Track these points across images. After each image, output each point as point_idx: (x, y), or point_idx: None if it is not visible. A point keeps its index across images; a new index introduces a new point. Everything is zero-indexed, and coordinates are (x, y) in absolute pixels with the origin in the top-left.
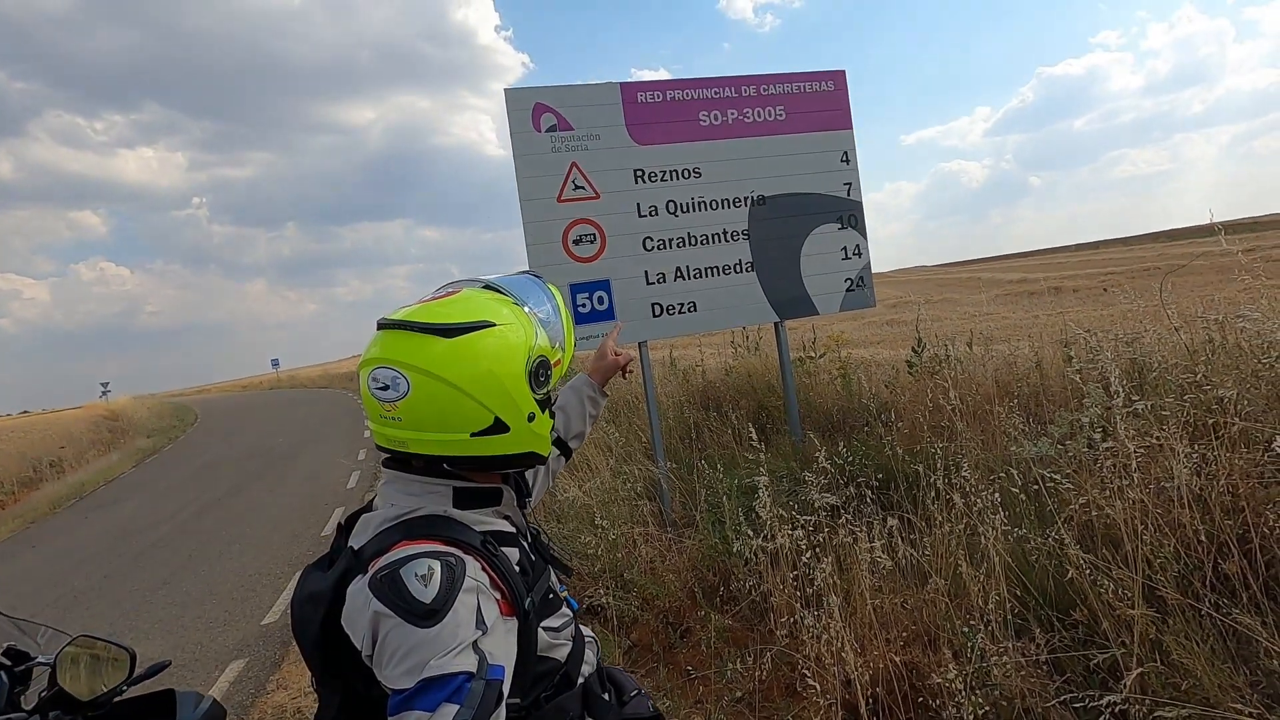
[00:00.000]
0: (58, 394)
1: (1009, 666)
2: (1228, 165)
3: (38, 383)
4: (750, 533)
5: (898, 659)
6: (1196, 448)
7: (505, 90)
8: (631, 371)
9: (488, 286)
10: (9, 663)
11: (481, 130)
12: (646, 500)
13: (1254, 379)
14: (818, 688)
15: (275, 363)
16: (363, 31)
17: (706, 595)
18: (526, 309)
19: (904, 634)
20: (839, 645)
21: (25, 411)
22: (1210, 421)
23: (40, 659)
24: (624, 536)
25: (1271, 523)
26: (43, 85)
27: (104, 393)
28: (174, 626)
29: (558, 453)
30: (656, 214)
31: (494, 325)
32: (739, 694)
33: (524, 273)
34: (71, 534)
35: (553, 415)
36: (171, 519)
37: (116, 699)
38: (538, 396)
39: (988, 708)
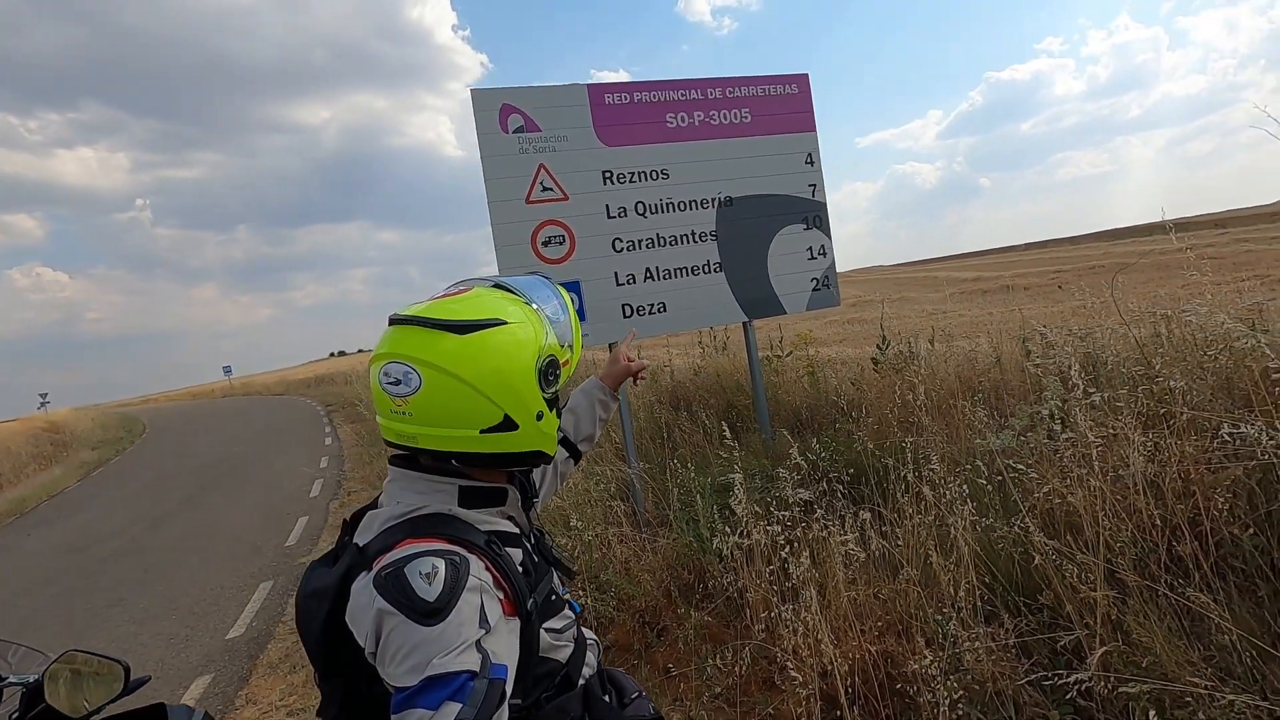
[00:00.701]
0: None
1: (980, 652)
2: (1164, 167)
3: None
4: (727, 530)
5: (873, 649)
6: (1150, 436)
7: (472, 90)
8: (643, 379)
9: (498, 285)
10: None
11: (440, 130)
12: (620, 500)
13: (1200, 370)
14: (799, 679)
15: (228, 370)
16: (315, 29)
17: (683, 593)
18: (536, 308)
19: (879, 624)
20: (816, 637)
21: None
22: (1162, 411)
23: (12, 679)
24: (599, 538)
25: (1220, 506)
26: None
27: (42, 404)
28: (132, 644)
29: (566, 454)
30: (625, 215)
31: (506, 323)
32: (718, 689)
33: (533, 274)
34: (13, 553)
35: (560, 415)
36: (123, 533)
37: (104, 717)
38: (546, 395)
39: (961, 692)
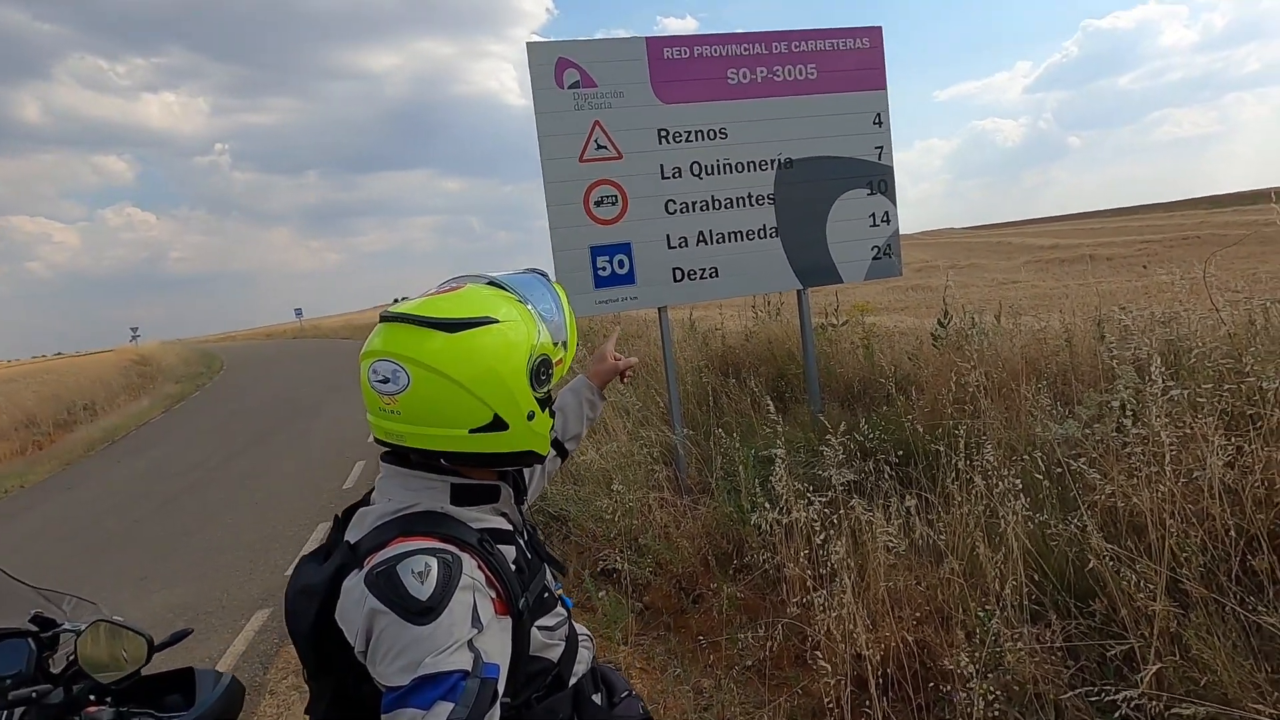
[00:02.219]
0: (88, 338)
1: (1022, 652)
2: None
3: (69, 326)
4: (767, 504)
5: (910, 637)
6: (1232, 439)
7: (527, 44)
8: (629, 379)
9: (492, 283)
10: (37, 629)
11: (503, 79)
12: (663, 465)
13: None
14: (827, 668)
15: (299, 312)
16: None
17: (720, 563)
18: (530, 306)
19: (917, 613)
20: (850, 623)
21: (59, 354)
22: (1249, 412)
23: (66, 625)
24: (639, 502)
25: None
26: (66, 27)
27: (134, 337)
28: (200, 573)
29: (554, 454)
30: (680, 176)
31: (496, 321)
32: (749, 662)
33: (529, 270)
34: (104, 478)
35: (553, 415)
36: (199, 466)
37: (138, 677)
38: (538, 395)
39: (998, 692)
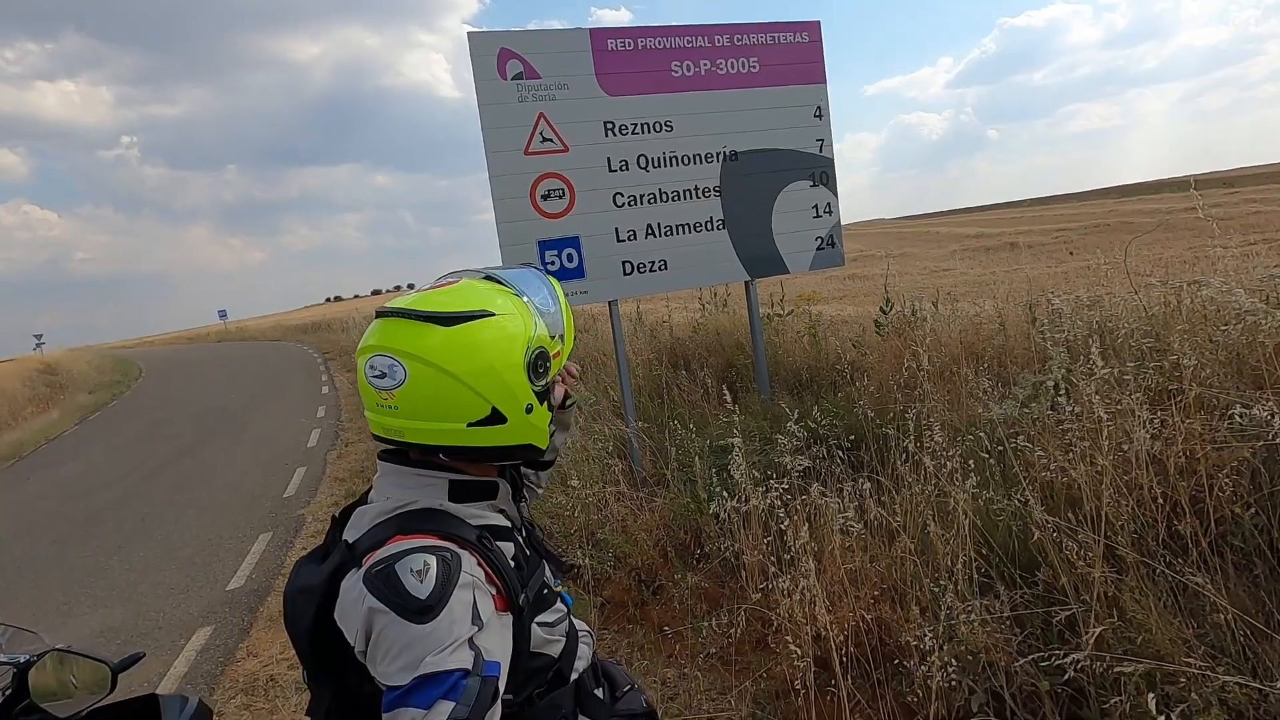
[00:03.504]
0: None
1: (974, 623)
2: (1177, 122)
3: None
4: (724, 494)
5: (868, 615)
6: (1157, 413)
7: (468, 34)
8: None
9: (488, 277)
10: None
11: (434, 70)
12: (618, 459)
13: (1211, 344)
14: (796, 651)
15: (223, 314)
16: None
17: (679, 554)
18: (526, 299)
19: (874, 591)
20: (811, 604)
21: None
22: (1170, 388)
23: (3, 658)
24: (596, 496)
25: (1224, 484)
26: None
27: (38, 345)
28: (132, 594)
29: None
30: (627, 169)
31: (493, 315)
32: (713, 650)
33: (525, 265)
34: (12, 497)
35: (550, 409)
36: (122, 480)
37: (95, 708)
38: (536, 388)
39: (954, 662)
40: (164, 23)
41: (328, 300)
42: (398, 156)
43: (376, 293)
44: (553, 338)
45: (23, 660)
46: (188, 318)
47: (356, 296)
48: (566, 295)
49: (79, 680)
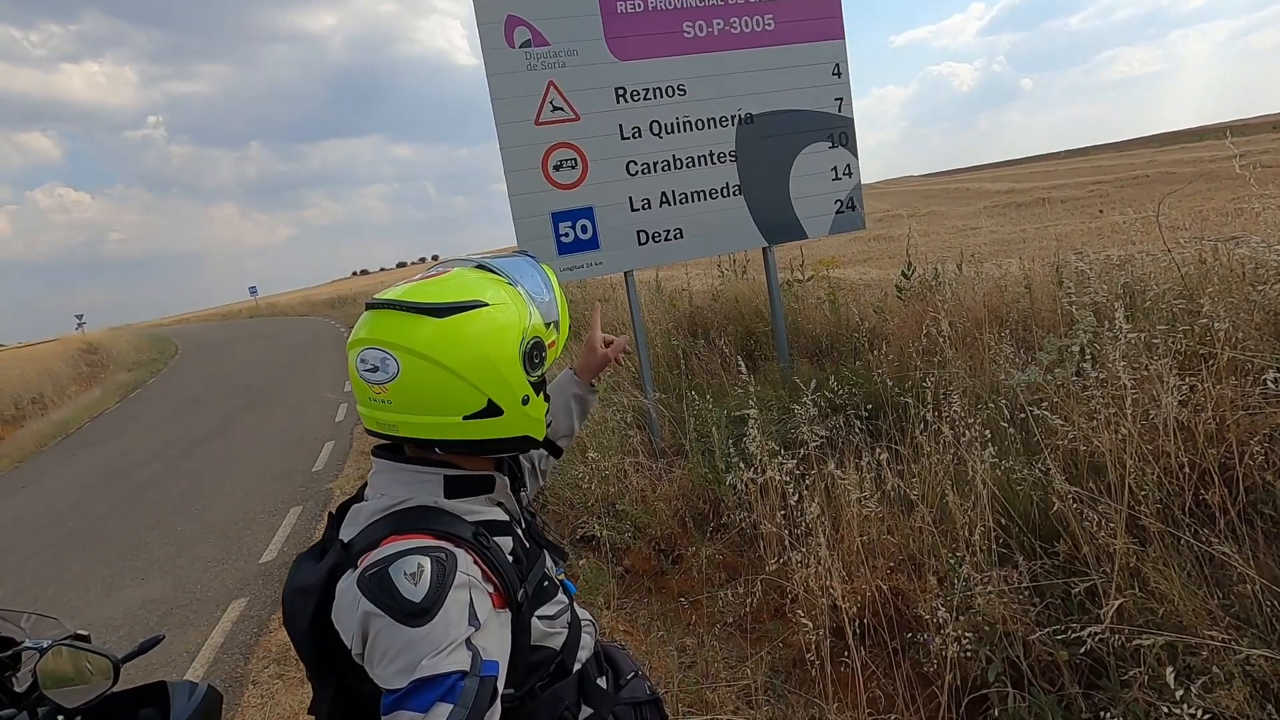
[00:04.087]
0: (29, 328)
1: (992, 594)
2: (1222, 64)
3: (5, 317)
4: (741, 464)
5: (885, 585)
6: (1186, 379)
7: (475, 0)
8: (620, 363)
9: (480, 266)
10: None
11: (451, 37)
12: (636, 430)
13: (1247, 305)
14: (808, 624)
15: (253, 290)
16: None
17: (697, 523)
18: (519, 288)
19: (890, 562)
20: (827, 575)
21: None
22: (1201, 351)
23: (28, 643)
24: (615, 467)
25: (1255, 451)
26: None
27: (79, 324)
28: (171, 566)
29: (545, 452)
30: (640, 136)
31: (486, 305)
32: (730, 619)
33: (518, 252)
34: (60, 473)
35: (547, 399)
36: (161, 456)
37: (105, 697)
38: (532, 379)
39: (970, 634)
40: None
41: (354, 274)
42: (417, 127)
43: (402, 265)
44: (548, 326)
45: (46, 645)
46: (221, 294)
47: (382, 270)
48: (582, 267)
49: (88, 666)
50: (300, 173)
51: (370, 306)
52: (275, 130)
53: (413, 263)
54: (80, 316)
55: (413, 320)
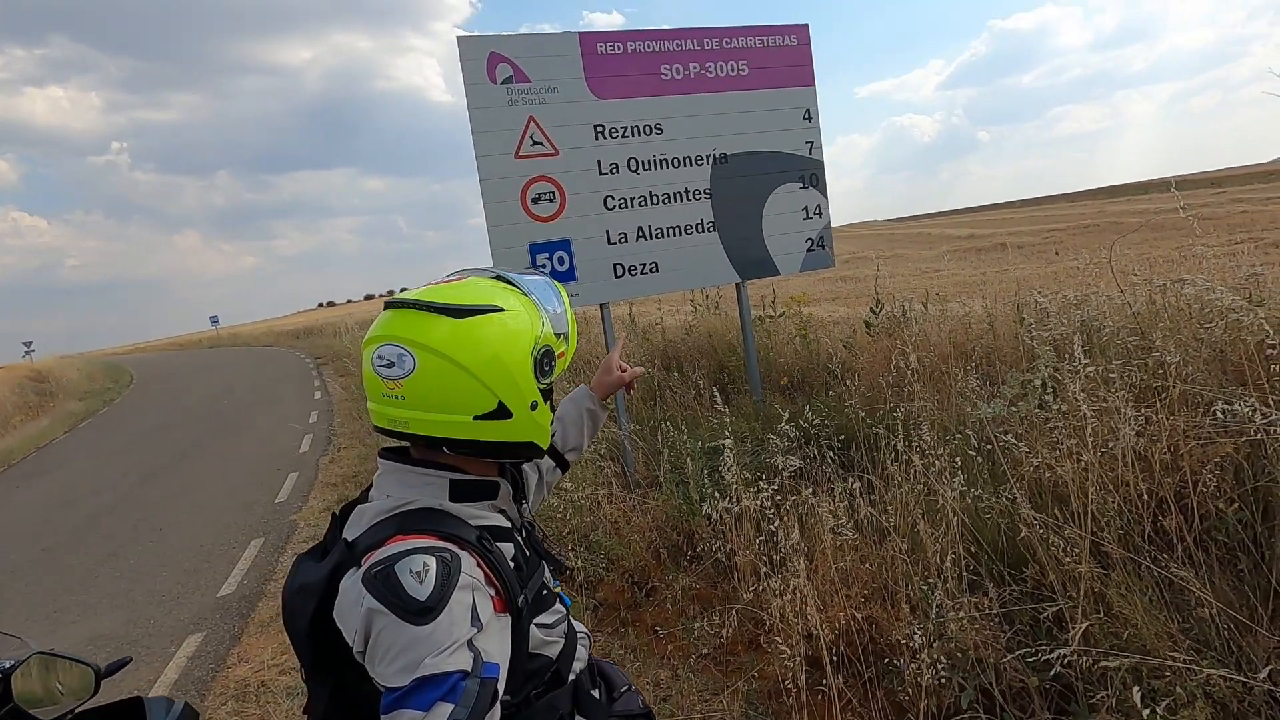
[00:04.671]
0: None
1: (963, 620)
2: (1165, 123)
3: None
4: (716, 494)
5: (859, 614)
6: (1142, 410)
7: (458, 38)
8: (634, 390)
9: (497, 277)
10: None
11: (427, 74)
12: (610, 461)
13: (1195, 342)
14: (786, 651)
15: (215, 320)
16: None
17: (671, 555)
18: (533, 298)
19: (864, 590)
20: (802, 604)
21: None
22: (1155, 385)
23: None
24: (589, 498)
25: (1208, 480)
26: None
27: (27, 352)
28: (124, 601)
29: (554, 464)
30: (617, 172)
31: (501, 310)
32: (705, 650)
33: (531, 270)
34: (2, 506)
35: (553, 408)
36: (113, 488)
37: (80, 711)
38: (541, 386)
39: (943, 660)
40: (155, 28)
41: (320, 305)
42: (390, 161)
43: (369, 297)
44: (558, 337)
45: (7, 665)
46: (180, 324)
47: (349, 301)
48: None
49: (64, 684)
50: (269, 203)
51: (389, 305)
52: (245, 160)
53: (380, 294)
54: (28, 344)
55: (431, 319)
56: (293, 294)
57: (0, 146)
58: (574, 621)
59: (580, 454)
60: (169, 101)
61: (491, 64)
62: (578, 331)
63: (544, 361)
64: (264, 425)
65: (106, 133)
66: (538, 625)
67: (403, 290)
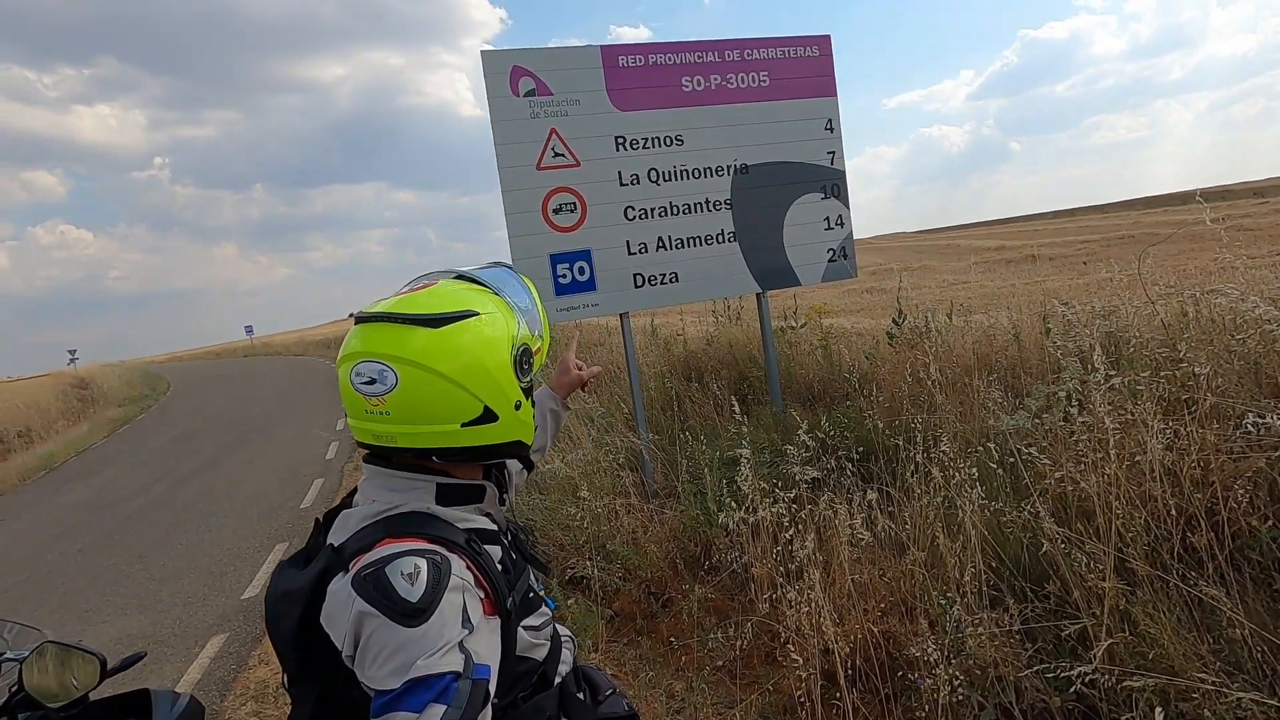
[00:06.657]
0: (21, 362)
1: (983, 636)
2: (1204, 132)
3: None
4: (733, 504)
5: (876, 628)
6: (1170, 424)
7: (482, 52)
8: (588, 388)
9: (461, 277)
10: None
11: (457, 89)
12: (629, 471)
13: (1228, 354)
14: (800, 660)
15: (249, 329)
16: None
17: (688, 566)
18: (505, 298)
19: (881, 604)
20: (818, 616)
21: None
22: (1184, 397)
23: (9, 654)
24: (606, 508)
25: (1240, 496)
26: None
27: (71, 360)
28: (151, 601)
29: (520, 466)
30: (638, 182)
31: (478, 314)
32: (720, 662)
33: (495, 264)
34: (42, 507)
35: (534, 404)
36: (146, 492)
37: (89, 699)
38: (522, 384)
39: (962, 676)
40: (196, 49)
41: (350, 316)
42: (421, 174)
43: None
44: (533, 335)
45: (26, 656)
46: (216, 333)
47: None
48: (578, 308)
49: (73, 677)
50: (303, 215)
51: (360, 320)
52: (280, 174)
53: None
54: (73, 352)
55: (407, 331)
56: (325, 305)
57: (50, 162)
58: (559, 625)
59: (544, 454)
60: (208, 118)
61: (515, 77)
62: (593, 341)
63: (523, 360)
64: (292, 433)
65: (149, 149)
66: (525, 628)
67: (376, 304)
